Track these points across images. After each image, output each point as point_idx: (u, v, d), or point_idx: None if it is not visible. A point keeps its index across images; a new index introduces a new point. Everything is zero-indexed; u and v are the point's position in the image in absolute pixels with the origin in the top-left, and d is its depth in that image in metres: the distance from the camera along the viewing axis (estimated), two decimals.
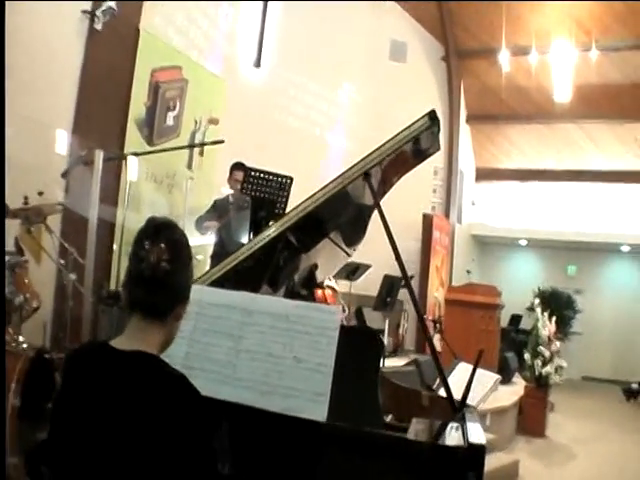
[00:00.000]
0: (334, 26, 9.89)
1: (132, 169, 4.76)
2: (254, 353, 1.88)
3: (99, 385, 1.37)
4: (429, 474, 1.61)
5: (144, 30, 5.55)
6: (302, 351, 1.83)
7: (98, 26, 4.95)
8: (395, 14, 11.09)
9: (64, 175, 3.69)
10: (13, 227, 3.44)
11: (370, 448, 1.67)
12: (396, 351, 9.33)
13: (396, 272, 7.73)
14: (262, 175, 4.83)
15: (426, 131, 2.25)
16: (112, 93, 5.25)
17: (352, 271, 7.26)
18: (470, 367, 4.38)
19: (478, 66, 11.68)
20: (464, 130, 12.51)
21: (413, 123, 2.24)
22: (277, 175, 4.88)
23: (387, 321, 6.88)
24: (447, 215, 11.88)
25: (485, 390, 4.20)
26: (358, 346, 1.85)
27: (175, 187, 6.05)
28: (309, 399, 1.75)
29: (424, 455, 1.62)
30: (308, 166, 8.93)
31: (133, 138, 5.46)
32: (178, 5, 6.56)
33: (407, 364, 6.17)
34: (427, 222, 11.05)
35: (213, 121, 6.63)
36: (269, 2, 8.84)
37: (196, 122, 6.44)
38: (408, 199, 10.89)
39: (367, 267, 7.46)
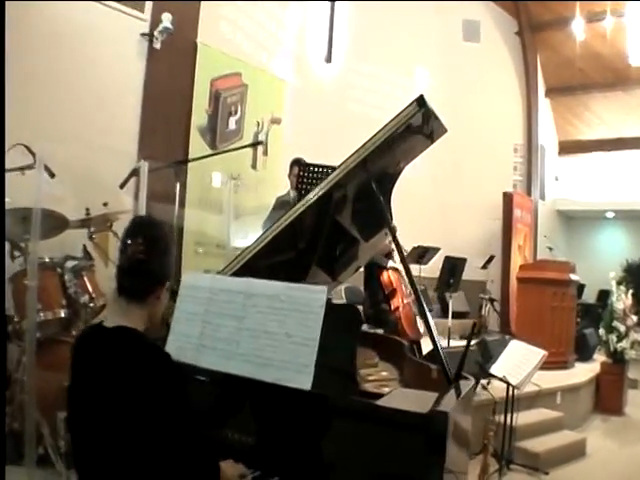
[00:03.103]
0: (404, 13, 9.92)
1: (215, 177, 5.34)
2: (253, 331, 2.13)
3: (91, 357, 1.72)
4: (392, 435, 1.77)
5: (201, 43, 5.97)
6: (293, 327, 2.05)
7: (157, 45, 5.42)
8: None
9: (122, 186, 4.12)
10: (81, 235, 3.93)
11: (342, 412, 1.88)
12: (479, 332, 9.31)
13: (464, 255, 7.82)
14: (316, 169, 4.89)
15: (415, 117, 2.37)
16: (174, 105, 5.70)
17: (421, 254, 7.37)
18: (522, 344, 4.50)
19: (553, 37, 11.35)
20: (544, 104, 12.20)
21: (402, 110, 2.38)
22: (333, 168, 5.03)
23: (451, 302, 6.92)
24: (529, 192, 11.65)
25: (529, 368, 4.26)
26: (340, 320, 2.06)
27: (241, 187, 6.42)
28: (297, 370, 1.98)
29: (387, 418, 1.80)
30: None
31: (196, 145, 5.88)
32: (244, 10, 6.94)
33: (475, 344, 6.25)
34: (507, 201, 10.93)
35: (276, 121, 6.96)
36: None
37: (258, 123, 6.79)
38: (488, 179, 10.86)
39: (436, 250, 7.53)
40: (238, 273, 2.51)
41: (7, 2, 4.30)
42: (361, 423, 1.84)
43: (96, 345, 1.74)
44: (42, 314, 3.42)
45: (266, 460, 1.93)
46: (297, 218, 2.53)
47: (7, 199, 2.99)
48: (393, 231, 2.63)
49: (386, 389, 2.46)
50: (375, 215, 2.84)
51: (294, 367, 2.00)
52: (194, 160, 4.36)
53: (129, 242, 1.76)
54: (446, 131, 2.70)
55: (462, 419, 2.13)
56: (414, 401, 1.98)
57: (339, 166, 2.47)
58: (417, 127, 2.46)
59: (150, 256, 1.77)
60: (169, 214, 4.15)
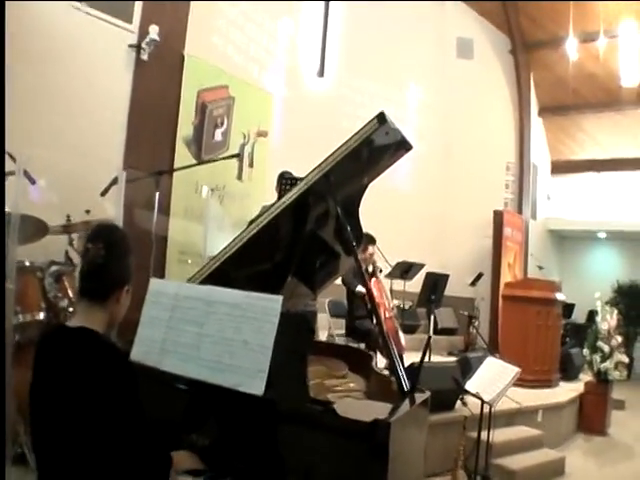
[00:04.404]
0: (398, 29, 9.99)
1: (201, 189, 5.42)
2: (213, 337, 2.16)
3: (51, 356, 1.77)
4: (337, 443, 1.81)
5: (188, 55, 6.04)
6: (249, 334, 2.09)
7: (144, 57, 5.48)
8: (459, 11, 11.13)
9: (103, 194, 4.18)
10: (62, 241, 3.97)
11: (291, 417, 1.93)
12: (467, 349, 9.31)
13: (454, 272, 7.83)
14: (297, 182, 5.01)
15: (375, 133, 2.42)
16: (160, 116, 5.76)
17: (405, 270, 7.39)
18: (497, 361, 4.52)
19: (547, 57, 11.47)
20: (536, 123, 12.29)
21: (363, 126, 2.43)
22: None
23: (432, 317, 6.94)
24: (520, 211, 11.71)
25: (503, 385, 4.27)
26: (291, 329, 2.08)
27: (226, 197, 6.49)
28: (252, 376, 2.01)
29: (332, 426, 1.84)
30: None
31: (182, 155, 5.92)
32: (236, 24, 7.02)
33: (457, 360, 6.27)
34: (498, 219, 10.96)
35: (262, 134, 7.03)
36: (329, 12, 9.12)
37: (244, 135, 6.85)
38: (479, 196, 10.91)
39: (421, 266, 7.56)
40: (207, 281, 2.55)
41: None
42: (309, 429, 1.88)
43: (56, 344, 1.80)
44: (21, 316, 3.45)
45: (219, 460, 1.96)
46: (265, 227, 2.56)
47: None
48: (355, 254, 2.63)
49: (348, 400, 2.48)
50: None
51: (249, 373, 2.03)
52: (174, 171, 4.41)
53: (90, 246, 1.84)
54: (411, 147, 2.75)
55: (412, 430, 2.15)
56: (363, 411, 2.01)
57: (302, 180, 2.51)
58: (379, 143, 2.50)
59: (109, 260, 1.84)
60: (149, 222, 4.17)
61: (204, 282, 2.54)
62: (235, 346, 2.10)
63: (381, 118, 2.40)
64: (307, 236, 2.90)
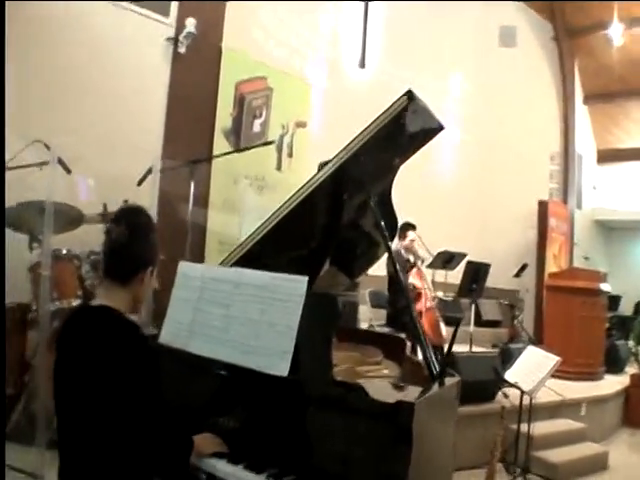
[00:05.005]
0: (439, 18, 9.83)
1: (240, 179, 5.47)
2: (239, 319, 2.17)
3: (73, 334, 1.81)
4: (361, 424, 1.79)
5: (226, 47, 6.08)
6: (275, 315, 2.08)
7: (182, 50, 5.54)
8: None
9: (139, 183, 4.25)
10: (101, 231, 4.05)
11: (316, 400, 1.92)
12: (511, 341, 9.15)
13: (498, 263, 7.68)
14: None
15: (405, 111, 2.37)
16: (198, 108, 5.82)
17: (447, 260, 7.28)
18: (538, 350, 4.44)
19: (591, 43, 11.11)
20: (581, 111, 11.94)
21: (391, 105, 2.39)
22: None
23: (472, 307, 6.83)
24: (565, 201, 11.43)
25: (542, 374, 4.18)
26: (317, 311, 2.07)
27: (265, 188, 6.52)
28: (277, 357, 2.01)
29: (355, 407, 1.82)
30: (419, 162, 9.02)
31: (220, 147, 5.96)
32: (277, 17, 7.06)
33: (499, 351, 6.18)
34: (542, 209, 10.78)
35: (301, 124, 7.03)
36: (370, 3, 9.05)
37: (283, 127, 6.87)
38: (524, 186, 10.69)
39: (463, 256, 7.41)
40: (238, 264, 2.53)
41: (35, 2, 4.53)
42: (331, 411, 1.86)
43: (77, 322, 1.84)
44: (58, 303, 3.55)
45: (243, 443, 1.96)
46: (295, 209, 2.53)
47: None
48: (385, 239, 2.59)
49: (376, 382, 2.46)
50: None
51: (274, 354, 2.03)
52: (208, 159, 4.44)
53: (113, 227, 1.87)
54: (443, 128, 2.69)
55: (438, 413, 2.12)
56: (389, 393, 1.99)
57: (330, 161, 2.47)
58: (408, 121, 2.44)
59: (132, 241, 1.86)
60: (185, 212, 4.21)
61: (235, 265, 2.53)
62: (261, 327, 2.10)
63: (410, 96, 2.36)
64: (339, 221, 2.86)
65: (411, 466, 1.72)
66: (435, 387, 2.16)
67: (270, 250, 2.63)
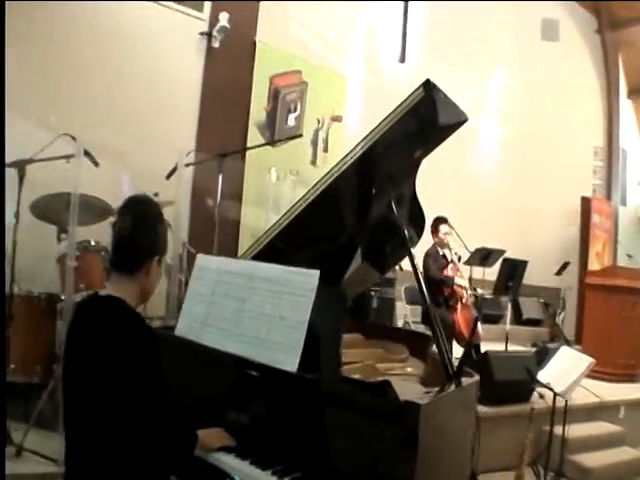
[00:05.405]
0: (480, 12, 9.66)
1: (274, 174, 5.49)
2: (252, 312, 2.16)
3: (80, 322, 1.82)
4: (368, 421, 1.75)
5: (260, 41, 6.08)
6: (286, 310, 2.06)
7: (215, 44, 5.57)
8: None
9: (168, 177, 4.27)
10: None
11: (324, 396, 1.89)
12: (552, 340, 8.94)
13: (539, 261, 7.49)
14: None
15: (423, 102, 2.31)
16: (232, 102, 5.85)
17: (484, 257, 7.12)
18: (571, 351, 4.30)
19: (635, 36, 10.72)
20: (625, 106, 11.56)
21: (409, 96, 2.33)
22: None
23: (508, 306, 6.68)
24: (609, 197, 11.09)
25: (576, 375, 4.04)
26: (326, 304, 2.03)
27: (299, 184, 6.49)
28: (287, 352, 1.98)
29: (362, 406, 1.78)
30: (459, 157, 8.91)
31: (254, 141, 5.98)
32: (314, 12, 7.05)
33: (535, 351, 6.02)
34: (585, 206, 10.46)
35: (336, 118, 7.00)
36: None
37: (319, 121, 6.84)
38: (566, 183, 10.43)
39: (502, 252, 7.23)
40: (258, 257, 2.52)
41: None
42: (338, 408, 1.82)
43: (85, 311, 1.85)
44: (85, 293, 3.57)
45: (251, 438, 1.95)
46: (314, 202, 2.52)
47: None
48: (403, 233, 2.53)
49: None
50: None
51: (284, 349, 2.01)
52: (235, 152, 4.42)
53: (117, 219, 1.87)
54: (467, 119, 2.60)
55: (452, 414, 2.06)
56: (403, 393, 1.93)
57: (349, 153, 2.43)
58: (426, 112, 2.37)
59: (136, 232, 1.85)
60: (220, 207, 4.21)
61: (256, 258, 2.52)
62: (272, 321, 2.08)
63: (428, 85, 2.29)
64: (366, 215, 2.79)
65: (420, 468, 1.67)
66: (451, 387, 2.10)
67: (293, 244, 2.60)
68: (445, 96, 2.39)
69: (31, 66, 4.53)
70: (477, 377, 2.33)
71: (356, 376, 2.20)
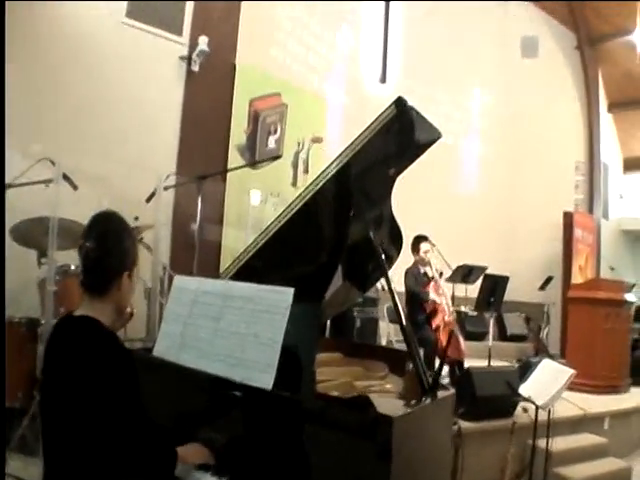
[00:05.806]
0: (460, 32, 9.80)
1: (255, 196, 5.52)
2: (227, 331, 2.17)
3: (55, 343, 1.83)
4: (342, 437, 1.78)
5: (240, 65, 6.15)
6: (260, 328, 2.08)
7: (195, 68, 5.63)
8: (522, 9, 10.80)
9: (148, 200, 4.30)
10: None
11: (299, 413, 1.91)
12: (536, 355, 8.97)
13: (523, 276, 7.52)
14: None
15: (396, 120, 2.35)
16: (213, 125, 5.90)
17: (466, 273, 7.18)
18: (553, 363, 4.34)
19: (614, 51, 10.97)
20: (606, 120, 11.77)
21: (381, 113, 2.37)
22: None
23: (491, 322, 6.72)
24: (591, 211, 11.24)
25: (557, 387, 4.07)
26: (301, 321, 2.06)
27: (280, 205, 6.53)
28: (261, 370, 2.00)
29: (338, 420, 1.81)
30: (442, 175, 9.00)
31: (235, 163, 6.00)
32: (294, 35, 7.13)
33: (519, 366, 6.05)
34: (568, 220, 10.61)
35: (317, 140, 7.06)
36: (390, 18, 9.07)
37: (299, 143, 6.90)
38: (549, 198, 10.56)
39: (483, 269, 7.30)
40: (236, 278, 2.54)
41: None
42: (313, 424, 1.84)
43: (60, 332, 1.86)
44: None
45: (229, 455, 1.96)
46: (288, 222, 2.55)
47: None
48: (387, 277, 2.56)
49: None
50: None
51: (259, 367, 2.02)
52: (212, 175, 4.44)
53: (82, 242, 1.86)
54: (440, 136, 2.65)
55: (427, 427, 2.08)
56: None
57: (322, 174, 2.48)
58: (398, 129, 2.42)
59: (102, 252, 1.85)
60: (201, 229, 4.24)
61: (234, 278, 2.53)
62: (246, 340, 2.10)
63: (399, 104, 2.34)
64: (344, 234, 2.82)
65: None
66: (426, 401, 2.13)
67: (271, 263, 2.63)
68: (418, 113, 2.44)
69: (10, 90, 4.55)
70: (453, 391, 2.35)
71: (334, 393, 2.23)
